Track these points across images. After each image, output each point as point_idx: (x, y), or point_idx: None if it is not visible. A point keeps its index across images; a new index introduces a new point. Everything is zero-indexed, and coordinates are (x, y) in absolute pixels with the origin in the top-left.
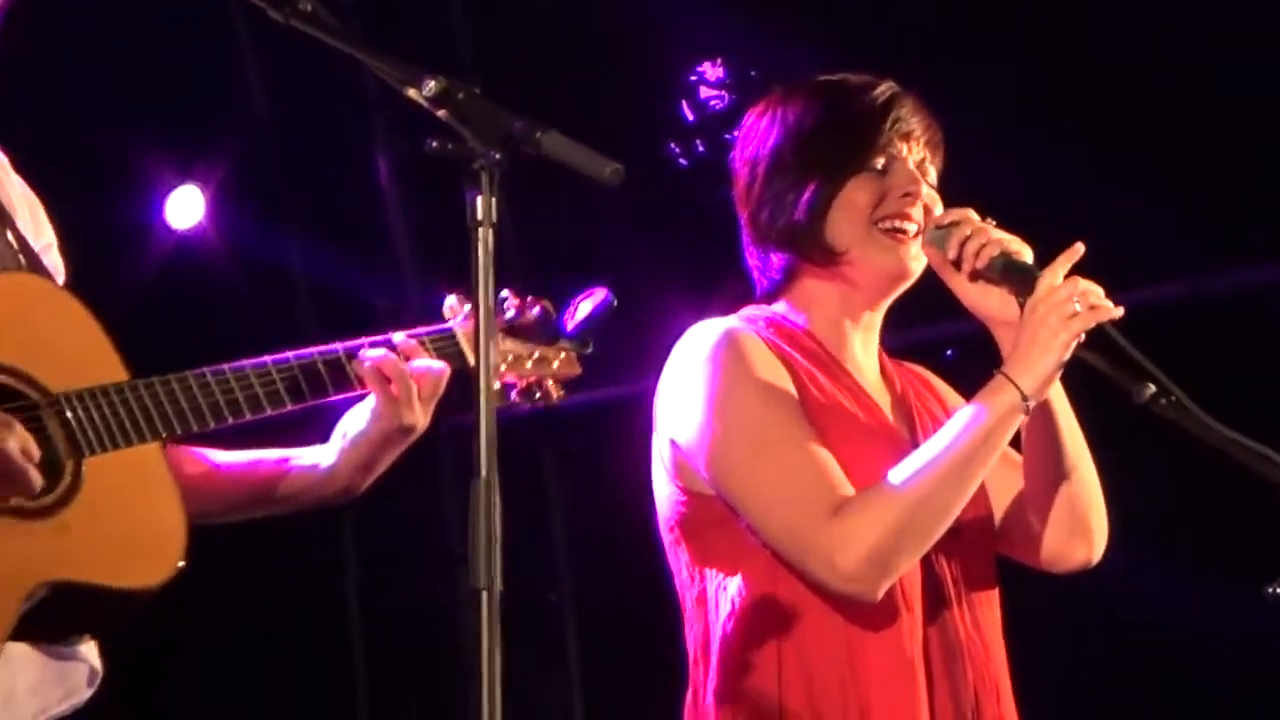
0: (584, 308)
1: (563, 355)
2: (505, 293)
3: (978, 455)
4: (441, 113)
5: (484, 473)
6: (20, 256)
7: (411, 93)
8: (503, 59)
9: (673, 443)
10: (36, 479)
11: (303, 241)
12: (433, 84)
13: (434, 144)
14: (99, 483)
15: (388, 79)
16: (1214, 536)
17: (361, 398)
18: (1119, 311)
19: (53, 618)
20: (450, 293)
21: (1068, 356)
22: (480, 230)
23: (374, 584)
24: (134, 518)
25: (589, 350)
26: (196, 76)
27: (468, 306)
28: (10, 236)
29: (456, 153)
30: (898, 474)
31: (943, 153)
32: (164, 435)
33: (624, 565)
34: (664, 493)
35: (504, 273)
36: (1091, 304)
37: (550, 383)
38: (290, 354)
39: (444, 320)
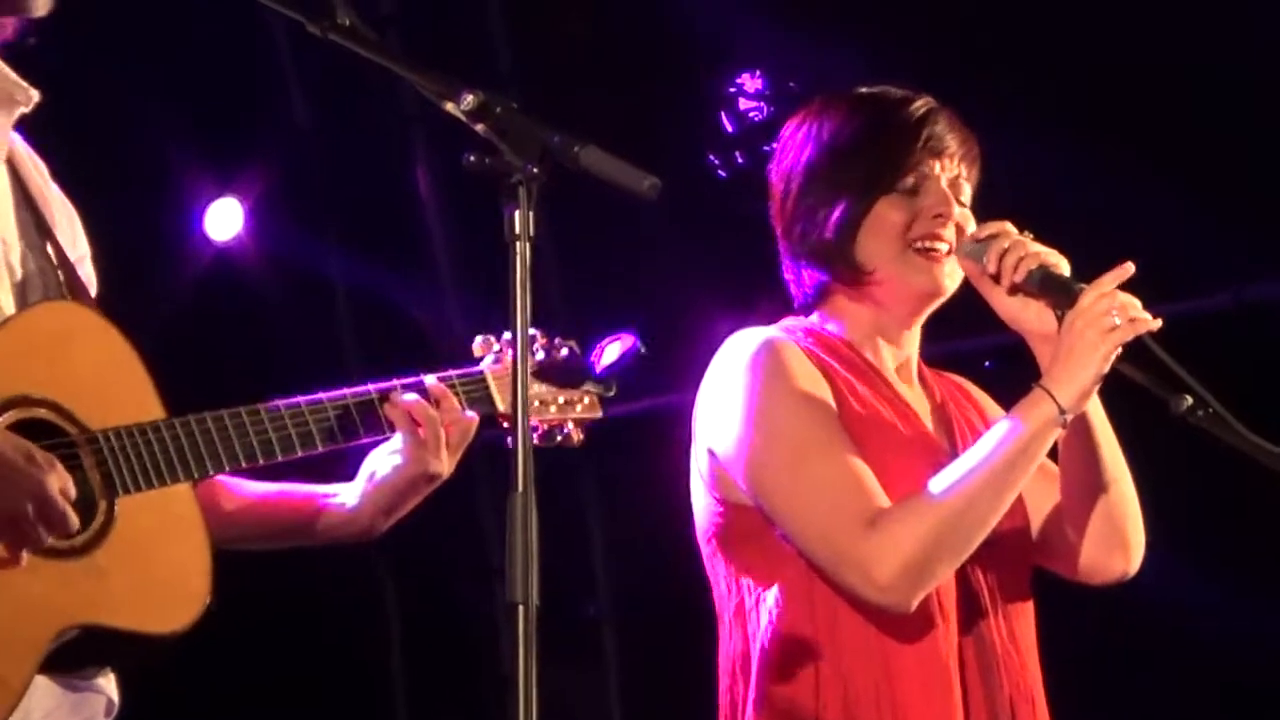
0: (611, 352)
1: (586, 399)
2: (534, 332)
3: (1015, 468)
4: (479, 127)
5: (521, 486)
6: (59, 272)
7: (450, 107)
8: (541, 70)
9: (711, 453)
10: (74, 520)
11: (341, 254)
12: (470, 98)
13: (471, 158)
14: (131, 523)
15: (426, 93)
16: (1251, 547)
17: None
18: (1157, 323)
19: (77, 655)
20: (480, 333)
21: (1106, 370)
22: (517, 244)
23: (413, 596)
24: (164, 560)
25: (613, 394)
26: (236, 89)
27: (497, 347)
28: (50, 250)
29: (494, 167)
30: (935, 485)
31: (979, 167)
32: (196, 476)
33: (662, 577)
34: (702, 504)
35: (541, 285)
36: (1131, 316)
37: (572, 426)
38: (324, 395)
39: (472, 361)
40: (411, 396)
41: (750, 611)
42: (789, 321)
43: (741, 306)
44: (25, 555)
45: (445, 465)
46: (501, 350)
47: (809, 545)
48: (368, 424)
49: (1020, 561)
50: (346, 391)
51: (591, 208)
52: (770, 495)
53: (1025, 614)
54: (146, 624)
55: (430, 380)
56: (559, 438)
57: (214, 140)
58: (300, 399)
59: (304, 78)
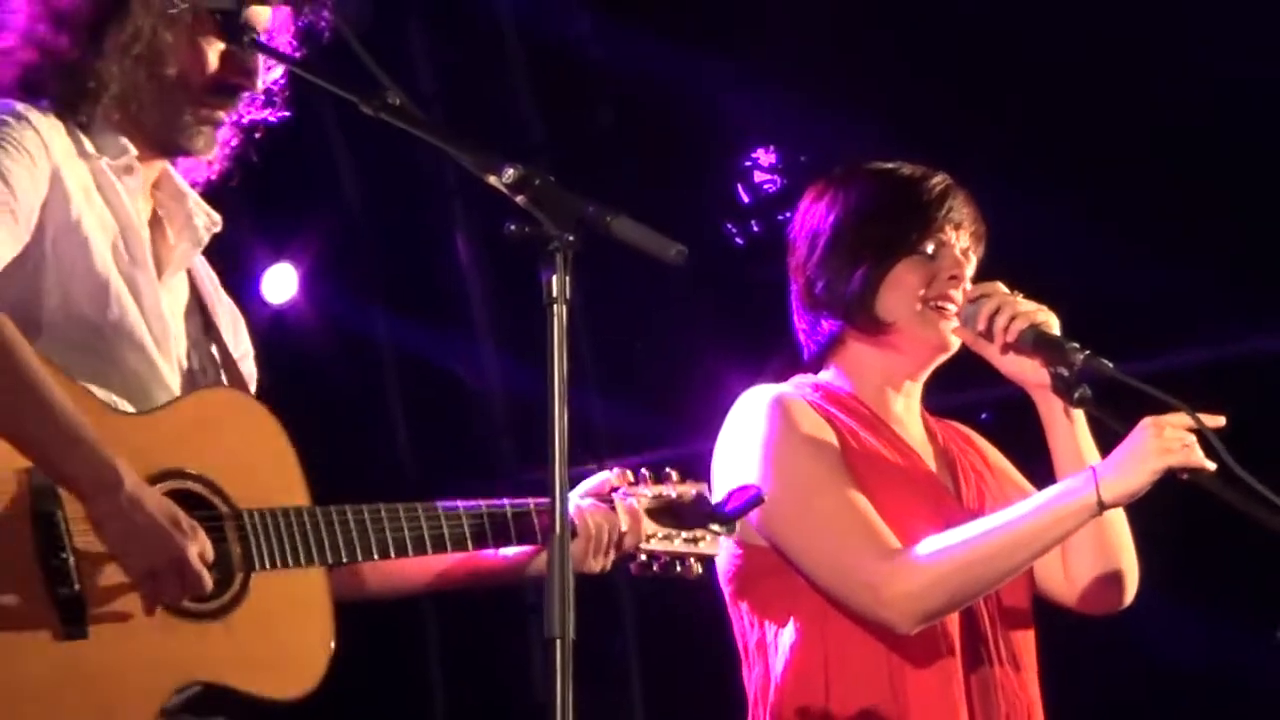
0: (737, 498)
1: (708, 538)
2: (670, 471)
3: (1038, 538)
4: (520, 198)
5: (558, 529)
6: (222, 371)
7: (492, 179)
8: (569, 147)
9: None
10: (208, 582)
11: (387, 315)
12: (512, 172)
13: (512, 227)
14: (263, 597)
15: (470, 166)
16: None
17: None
18: (1212, 466)
19: (193, 706)
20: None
21: (1151, 482)
22: (555, 307)
23: (452, 631)
24: (287, 635)
25: (732, 535)
26: (290, 162)
27: (632, 479)
28: (215, 349)
29: (533, 235)
30: (961, 533)
31: (984, 246)
32: (330, 562)
33: (684, 614)
34: (722, 546)
35: (573, 344)
36: (1188, 448)
37: (693, 560)
38: (482, 502)
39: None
40: (588, 502)
41: (769, 645)
42: (798, 378)
43: (754, 364)
44: (160, 611)
45: (597, 564)
46: (634, 484)
47: (821, 574)
48: (521, 532)
49: (1023, 592)
50: (505, 501)
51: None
52: (784, 533)
53: (1026, 639)
54: (262, 689)
55: (615, 478)
56: (679, 568)
57: (270, 210)
58: (460, 504)
59: (353, 152)
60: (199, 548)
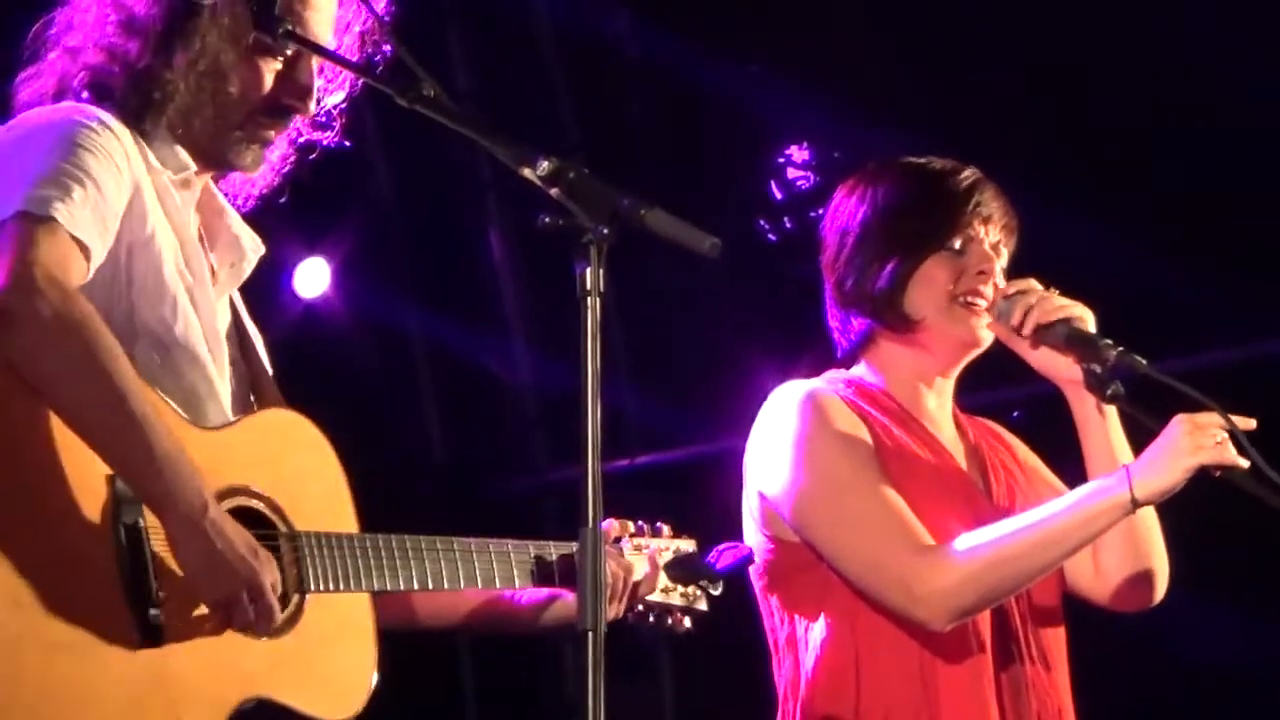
0: (728, 556)
1: (700, 595)
2: (664, 527)
3: (1071, 535)
4: (554, 191)
5: (591, 522)
6: (250, 392)
7: (526, 172)
8: (606, 143)
9: (761, 495)
10: (279, 614)
11: (420, 309)
12: (545, 164)
13: (546, 220)
14: (316, 618)
15: (504, 159)
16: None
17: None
18: (1245, 463)
19: None
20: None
21: (1185, 480)
22: (589, 300)
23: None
24: (336, 657)
25: (719, 592)
26: (323, 156)
27: (631, 530)
28: (246, 370)
29: (567, 228)
30: (993, 531)
31: (1016, 237)
32: (377, 588)
33: (715, 608)
34: (754, 542)
35: (605, 337)
36: (1221, 446)
37: (681, 614)
38: (529, 544)
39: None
40: (621, 559)
41: (799, 641)
42: (831, 374)
43: (787, 360)
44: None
45: (612, 610)
46: (633, 534)
47: (854, 570)
48: (563, 575)
49: (1053, 589)
50: (530, 545)
51: (651, 266)
52: (817, 528)
53: (1057, 637)
54: (314, 708)
55: (628, 536)
56: (669, 621)
57: (302, 204)
58: (510, 544)
59: (387, 147)
60: (272, 577)
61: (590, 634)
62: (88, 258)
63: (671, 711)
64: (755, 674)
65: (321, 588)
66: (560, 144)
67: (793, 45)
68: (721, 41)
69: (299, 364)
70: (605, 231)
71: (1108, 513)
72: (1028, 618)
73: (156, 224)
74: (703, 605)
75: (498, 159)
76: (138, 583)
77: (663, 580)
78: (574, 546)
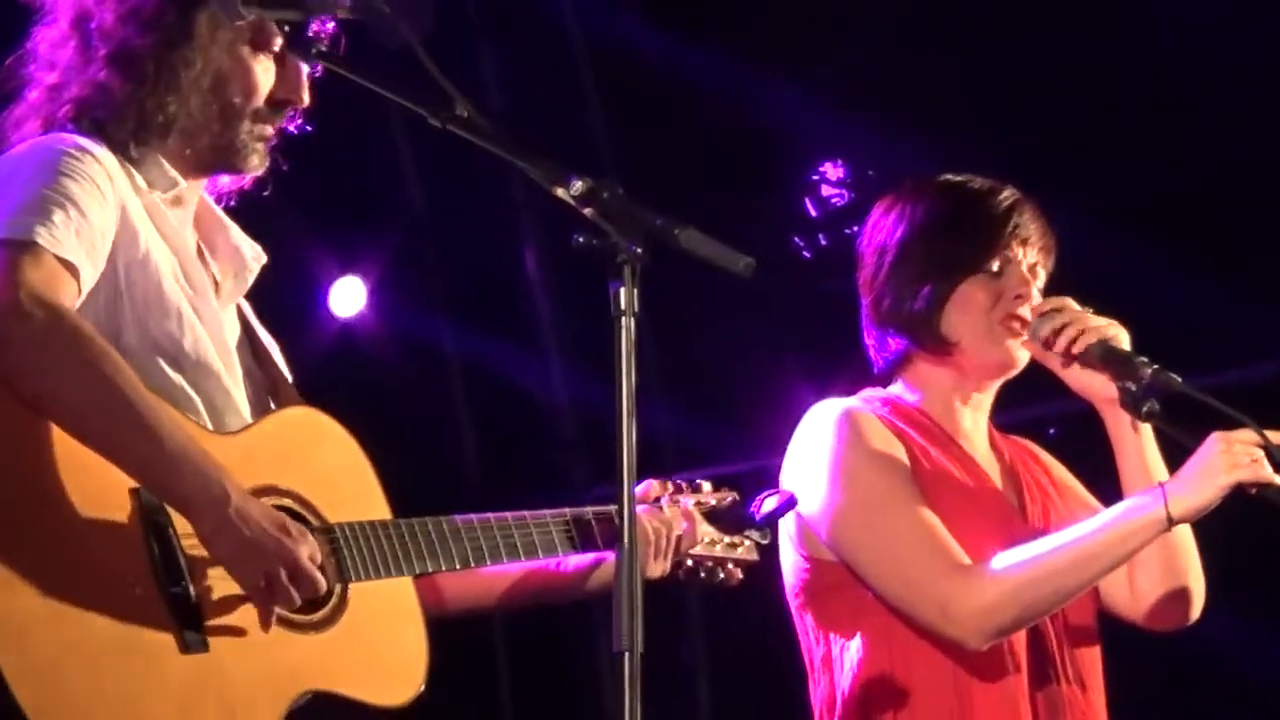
0: (770, 503)
1: (746, 544)
2: (704, 483)
3: (1107, 554)
4: (588, 210)
5: (627, 543)
6: (269, 396)
7: (560, 191)
8: (640, 162)
9: (798, 514)
10: (322, 583)
11: (455, 327)
12: (580, 184)
13: (580, 239)
14: (361, 607)
15: (537, 179)
16: None
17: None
18: (1278, 480)
19: (307, 718)
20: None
21: (1220, 497)
22: (623, 319)
23: (521, 646)
24: (388, 642)
25: (767, 541)
26: (358, 176)
27: (670, 489)
28: (260, 373)
29: (601, 247)
30: (1029, 550)
31: (1054, 257)
32: (418, 572)
33: (752, 628)
34: (789, 561)
35: (640, 355)
36: (1258, 463)
37: (732, 566)
38: (547, 512)
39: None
40: (641, 508)
41: (836, 659)
42: (867, 392)
43: (823, 377)
44: (275, 623)
45: (657, 568)
46: (673, 493)
47: (890, 590)
48: (585, 541)
49: (1088, 608)
50: (567, 510)
51: (686, 284)
52: (853, 546)
53: (1093, 657)
54: (370, 695)
55: (668, 496)
56: (721, 575)
57: (338, 223)
58: (527, 515)
59: (420, 166)
60: (309, 550)
61: (627, 655)
62: (76, 277)
63: None
64: (792, 693)
65: (362, 576)
66: (594, 163)
67: (827, 63)
68: (755, 60)
69: (335, 382)
70: (639, 251)
71: (1143, 530)
72: (1063, 637)
73: (149, 241)
74: (753, 555)
75: (532, 179)
76: (176, 591)
77: (709, 533)
78: (611, 508)
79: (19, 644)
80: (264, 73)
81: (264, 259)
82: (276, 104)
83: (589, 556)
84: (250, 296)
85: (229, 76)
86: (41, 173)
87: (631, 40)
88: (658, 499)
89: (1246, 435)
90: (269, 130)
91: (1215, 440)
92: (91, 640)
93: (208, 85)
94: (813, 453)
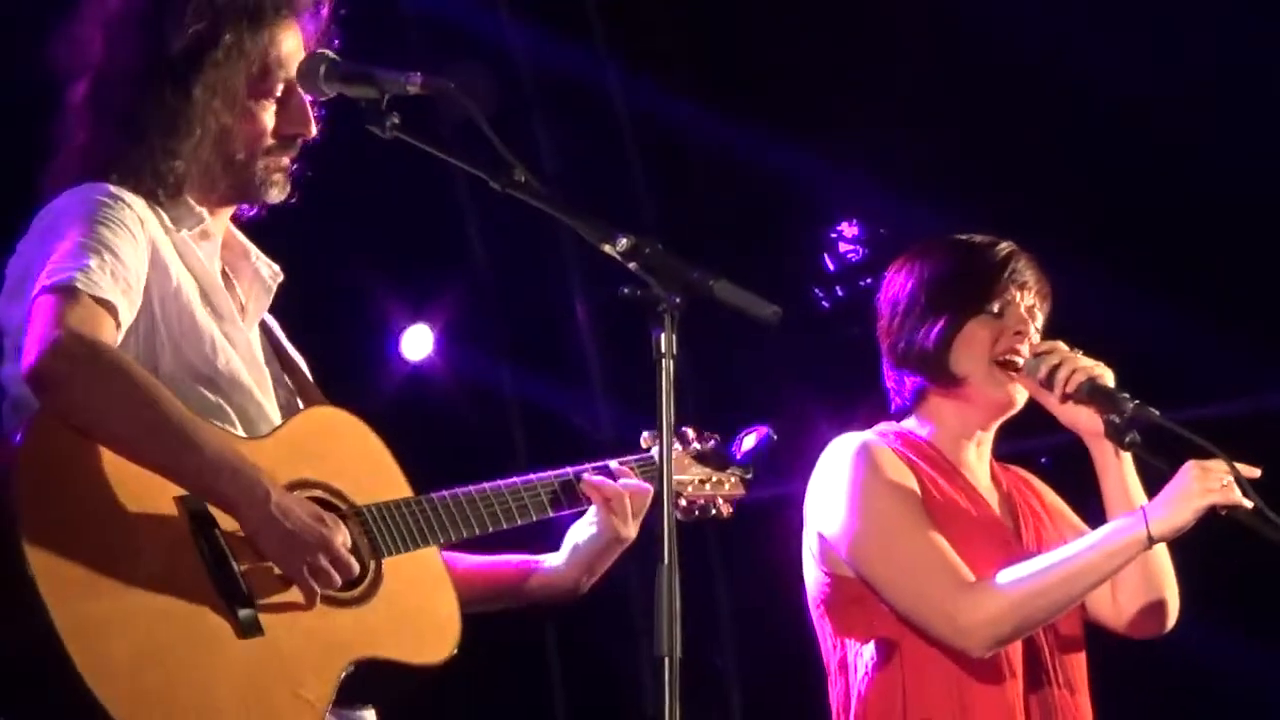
0: (748, 441)
1: (732, 479)
2: (688, 430)
3: (1094, 570)
4: (632, 264)
5: (667, 559)
6: (298, 398)
7: (607, 247)
8: (677, 221)
9: (820, 534)
10: (356, 566)
11: (513, 371)
12: (624, 240)
13: (625, 290)
14: (395, 578)
15: (587, 236)
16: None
17: (580, 512)
18: (1249, 503)
19: (354, 689)
20: (647, 428)
21: (1195, 519)
22: (664, 361)
23: (572, 651)
24: (423, 607)
25: (750, 476)
26: (427, 233)
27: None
28: (289, 381)
29: (644, 297)
30: (1025, 568)
31: (1050, 302)
32: (442, 541)
33: (778, 635)
34: (812, 576)
35: (680, 395)
36: (1229, 489)
37: (721, 501)
38: (534, 476)
39: (640, 449)
40: (600, 477)
41: (851, 664)
42: (882, 426)
43: (841, 414)
44: (319, 602)
45: (632, 529)
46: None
47: (903, 603)
48: (570, 499)
49: (1076, 619)
50: (551, 473)
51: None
52: (870, 565)
53: (1079, 660)
54: (414, 656)
55: (614, 464)
56: (712, 510)
57: (409, 276)
58: (518, 480)
59: (483, 225)
60: (343, 537)
61: (666, 659)
62: (114, 315)
63: None
64: (813, 695)
65: (394, 550)
66: (636, 222)
67: (845, 133)
68: (780, 131)
69: (406, 419)
70: (678, 300)
71: (1127, 549)
72: (1054, 646)
73: (179, 276)
74: (740, 490)
75: (582, 236)
76: (229, 583)
77: (700, 473)
78: (587, 467)
79: (95, 646)
80: (267, 118)
81: (281, 277)
82: (285, 138)
83: (559, 565)
84: (320, 335)
85: (231, 133)
86: (78, 222)
87: (670, 113)
88: (647, 449)
89: (1218, 463)
90: (284, 161)
91: (1190, 467)
92: (158, 636)
93: (211, 142)
94: (834, 481)
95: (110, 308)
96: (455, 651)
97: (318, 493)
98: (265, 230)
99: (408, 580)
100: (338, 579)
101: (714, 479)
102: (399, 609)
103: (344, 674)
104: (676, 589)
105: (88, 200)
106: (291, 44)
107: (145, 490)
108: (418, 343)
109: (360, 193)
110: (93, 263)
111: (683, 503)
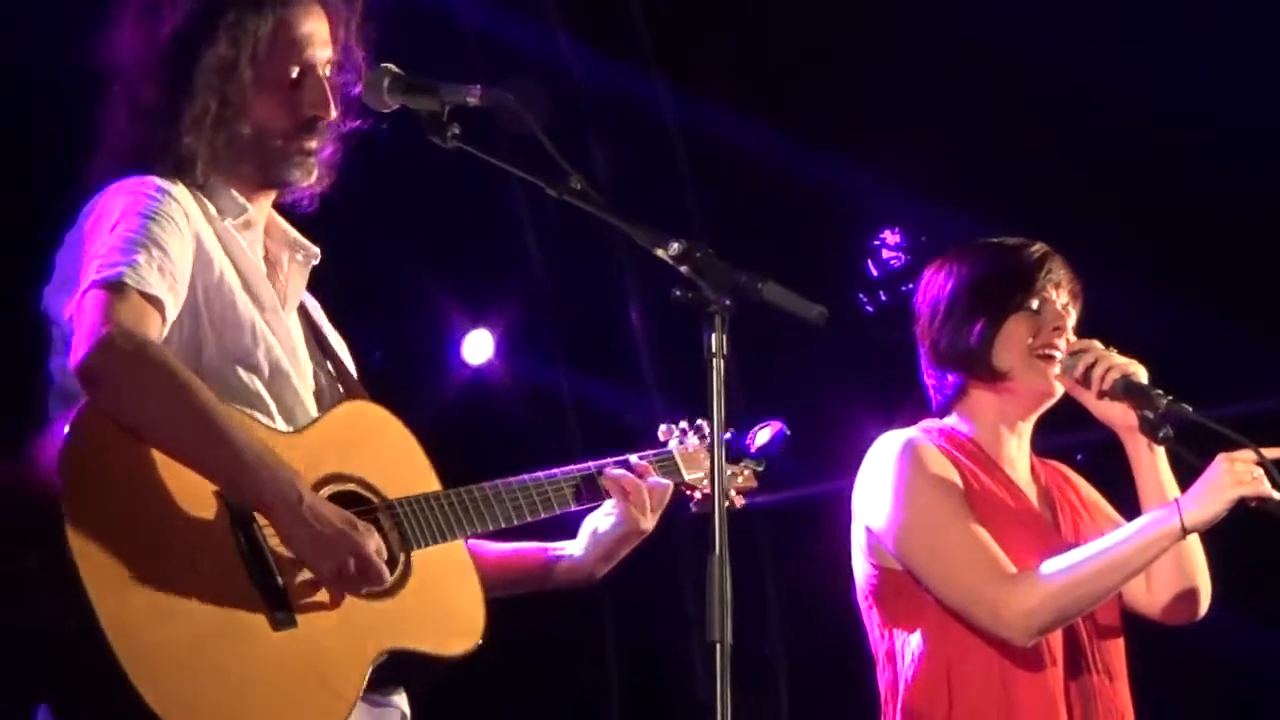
0: (762, 435)
1: (745, 473)
2: (701, 422)
3: (1130, 561)
4: (683, 268)
5: (718, 549)
6: (340, 385)
7: (659, 252)
8: (727, 228)
9: (867, 529)
10: (386, 575)
11: (570, 373)
12: (676, 245)
13: (677, 293)
14: (424, 570)
15: (641, 241)
16: None
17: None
18: (1278, 495)
19: (383, 676)
20: (664, 423)
21: (1226, 510)
22: (714, 361)
23: (627, 638)
24: (451, 598)
25: (763, 469)
26: (487, 240)
27: (677, 432)
28: (331, 368)
29: (695, 300)
30: (1064, 560)
31: (1082, 302)
32: (470, 533)
33: (826, 626)
34: (860, 568)
35: (731, 396)
36: (1259, 480)
37: (733, 493)
38: (557, 470)
39: (658, 443)
40: (620, 471)
41: (898, 653)
42: (925, 423)
43: (885, 413)
44: (349, 596)
45: (649, 522)
46: (684, 434)
47: (948, 595)
48: (591, 493)
49: (1113, 608)
50: (574, 468)
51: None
52: (915, 557)
53: (1117, 648)
54: (440, 648)
55: (634, 458)
56: (725, 503)
57: (469, 281)
58: (541, 474)
59: (540, 232)
60: (375, 544)
61: (718, 645)
62: (160, 310)
63: (787, 714)
64: (861, 681)
65: (424, 543)
66: (687, 228)
67: (888, 143)
68: (825, 140)
69: (468, 421)
70: (727, 302)
71: (1161, 540)
72: (1093, 634)
73: (223, 266)
74: (752, 483)
75: (635, 241)
76: (264, 577)
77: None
78: (608, 461)
79: (134, 636)
80: (277, 101)
81: (317, 258)
82: (306, 122)
83: (577, 553)
84: (388, 340)
85: (239, 114)
86: (126, 216)
87: (718, 126)
88: (664, 443)
89: (1248, 455)
90: (306, 144)
91: (1221, 460)
92: (197, 630)
93: (218, 124)
94: (880, 477)
95: (157, 304)
96: (480, 642)
97: (350, 486)
98: (332, 241)
99: (436, 572)
100: (365, 585)
101: (727, 472)
102: (427, 601)
103: (374, 664)
104: (727, 577)
105: (135, 194)
106: (310, 25)
107: (187, 485)
108: (478, 347)
109: (422, 203)
110: (141, 258)
111: (698, 495)
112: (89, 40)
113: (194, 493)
